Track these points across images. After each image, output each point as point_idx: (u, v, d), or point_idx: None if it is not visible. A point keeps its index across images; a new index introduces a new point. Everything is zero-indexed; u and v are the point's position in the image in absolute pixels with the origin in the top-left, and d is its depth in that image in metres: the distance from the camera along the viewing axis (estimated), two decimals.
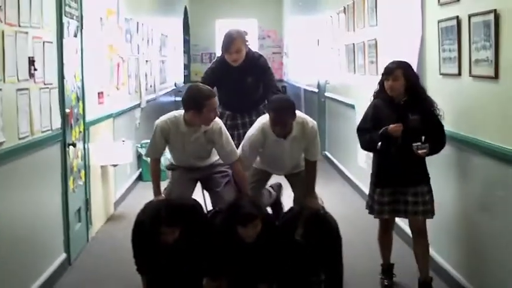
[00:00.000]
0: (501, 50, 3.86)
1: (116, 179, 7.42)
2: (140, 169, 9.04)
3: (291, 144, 4.76)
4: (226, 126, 4.90)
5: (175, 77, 14.57)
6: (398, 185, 4.51)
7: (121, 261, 5.33)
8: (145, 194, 7.52)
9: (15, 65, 4.25)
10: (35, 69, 4.59)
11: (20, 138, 4.30)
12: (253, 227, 4.23)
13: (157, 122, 4.84)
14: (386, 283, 4.82)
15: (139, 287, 4.67)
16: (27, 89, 4.46)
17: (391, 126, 4.40)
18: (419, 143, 4.34)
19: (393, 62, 4.62)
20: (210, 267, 4.37)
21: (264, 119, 4.80)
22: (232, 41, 5.37)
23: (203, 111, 4.59)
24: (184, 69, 17.21)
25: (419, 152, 4.34)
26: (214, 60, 5.80)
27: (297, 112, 4.75)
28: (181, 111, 4.75)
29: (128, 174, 8.30)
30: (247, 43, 5.50)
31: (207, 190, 5.07)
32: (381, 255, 4.88)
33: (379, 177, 4.61)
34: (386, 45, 6.40)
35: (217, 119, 4.75)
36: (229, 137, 4.82)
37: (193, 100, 4.62)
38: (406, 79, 4.49)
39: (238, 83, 5.44)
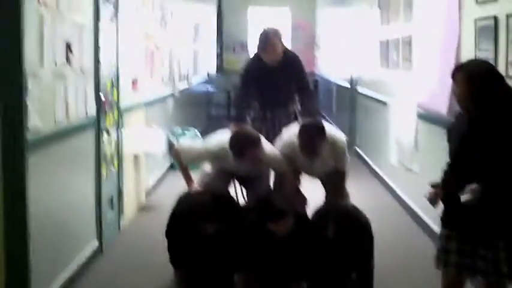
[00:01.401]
0: None
1: (148, 168, 7.36)
2: (172, 157, 8.98)
3: (320, 162, 4.78)
4: (255, 120, 5.03)
5: (208, 66, 14.50)
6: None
7: (153, 252, 5.30)
8: (177, 184, 7.49)
9: (53, 49, 4.19)
10: (72, 54, 4.53)
11: (56, 124, 4.25)
12: (285, 223, 4.15)
13: (213, 145, 4.73)
14: None
15: (171, 279, 4.63)
16: (64, 74, 4.40)
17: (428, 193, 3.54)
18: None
19: (458, 64, 3.68)
20: (242, 262, 4.28)
21: (293, 134, 4.72)
22: (269, 40, 5.45)
23: (245, 157, 4.52)
24: (216, 58, 17.12)
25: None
26: (250, 58, 5.90)
27: (328, 130, 4.70)
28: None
29: (160, 164, 8.24)
30: (282, 42, 5.60)
31: (243, 185, 5.03)
32: None
33: None
34: (422, 42, 6.26)
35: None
36: (275, 152, 4.77)
37: (234, 146, 4.53)
38: (469, 85, 3.31)
39: (272, 81, 5.53)
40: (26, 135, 3.75)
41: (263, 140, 4.66)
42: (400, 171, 7.20)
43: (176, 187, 7.37)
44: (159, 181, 8.04)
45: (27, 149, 3.76)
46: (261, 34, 5.54)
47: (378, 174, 8.50)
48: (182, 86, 10.07)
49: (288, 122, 5.42)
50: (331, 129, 4.91)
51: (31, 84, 3.81)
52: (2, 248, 3.73)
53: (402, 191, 7.13)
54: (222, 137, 4.63)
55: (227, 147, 4.50)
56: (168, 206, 5.81)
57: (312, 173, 5.04)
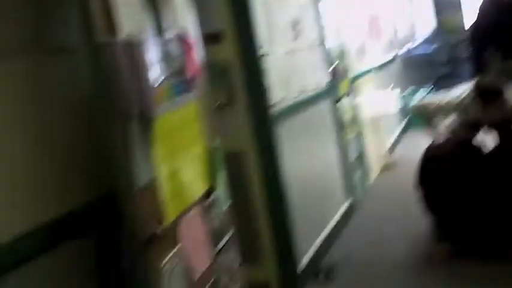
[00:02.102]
0: None
1: (385, 129, 7.57)
2: (407, 117, 9.09)
3: None
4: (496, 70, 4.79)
5: (426, 28, 14.32)
6: None
7: (402, 204, 5.52)
8: (415, 143, 7.63)
9: (282, 28, 4.54)
10: (299, 31, 4.86)
11: (295, 97, 4.61)
12: None
13: (454, 97, 4.80)
14: None
15: (425, 227, 4.77)
16: (294, 50, 4.73)
17: None
18: None
19: None
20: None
21: None
22: None
23: (489, 107, 4.50)
24: (433, 19, 16.76)
25: None
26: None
27: None
28: None
29: (396, 124, 8.41)
30: None
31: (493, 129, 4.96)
32: None
33: None
34: None
35: None
36: None
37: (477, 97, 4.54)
38: None
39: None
40: (271, 110, 4.11)
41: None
42: None
43: (413, 145, 7.54)
44: (397, 141, 8.22)
45: (273, 122, 4.12)
46: None
47: None
48: (404, 48, 10.12)
49: None
50: None
51: (267, 64, 4.17)
52: (267, 215, 4.10)
53: None
54: (460, 90, 4.66)
55: (467, 98, 4.53)
56: (409, 163, 5.96)
57: None
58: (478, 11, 5.37)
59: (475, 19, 5.41)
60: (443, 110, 4.81)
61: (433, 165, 4.48)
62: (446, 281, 4.11)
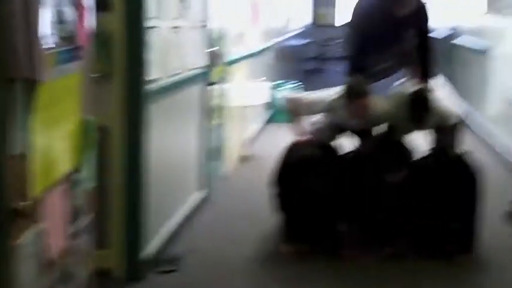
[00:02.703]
0: None
1: (249, 119, 7.56)
2: (271, 110, 9.14)
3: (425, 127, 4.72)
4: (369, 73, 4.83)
5: (301, 20, 14.53)
6: None
7: (256, 200, 5.49)
8: (277, 136, 7.69)
9: (170, 3, 4.37)
10: (187, 8, 4.71)
11: (172, 76, 4.45)
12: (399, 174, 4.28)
13: (326, 97, 4.75)
14: None
15: (276, 224, 4.78)
16: (179, 27, 4.58)
17: None
18: None
19: None
20: (348, 212, 4.44)
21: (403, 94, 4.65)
22: None
23: (349, 107, 4.55)
24: (308, 11, 17.08)
25: None
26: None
27: (442, 101, 4.59)
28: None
29: (260, 115, 8.43)
30: None
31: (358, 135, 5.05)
32: None
33: None
34: None
35: None
36: (379, 99, 4.75)
37: (344, 95, 4.59)
38: None
39: (391, 28, 4.88)
40: (147, 87, 3.94)
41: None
42: (503, 122, 7.17)
43: (275, 138, 7.59)
44: (259, 132, 8.24)
45: (147, 99, 3.95)
46: None
47: (477, 126, 8.44)
48: (280, 38, 10.18)
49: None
50: (447, 99, 4.76)
51: (151, 37, 3.99)
52: (122, 192, 3.94)
53: (501, 145, 7.15)
54: (334, 91, 4.70)
55: (338, 100, 4.59)
56: (268, 157, 5.98)
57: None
58: (354, 9, 5.12)
59: (351, 17, 5.17)
60: (313, 107, 4.81)
61: (291, 165, 4.51)
62: (291, 278, 4.17)
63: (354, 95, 4.52)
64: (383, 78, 5.08)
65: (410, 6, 4.83)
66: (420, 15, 4.95)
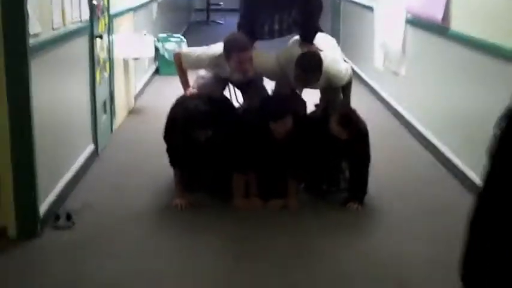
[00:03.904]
0: None
1: (136, 72, 7.47)
2: (157, 63, 9.07)
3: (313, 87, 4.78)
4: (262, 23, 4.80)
5: None
6: None
7: (146, 153, 5.53)
8: (163, 88, 7.66)
9: None
10: None
11: (53, 29, 4.33)
12: (284, 124, 4.31)
13: (209, 56, 4.72)
14: None
15: (166, 179, 4.84)
16: None
17: None
18: None
19: None
20: (239, 161, 4.48)
21: (295, 53, 4.62)
22: None
23: (230, 61, 4.56)
24: None
25: None
26: None
27: (330, 65, 4.62)
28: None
29: (146, 68, 8.34)
30: None
31: (239, 89, 5.11)
32: None
33: None
34: None
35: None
36: (267, 56, 4.79)
37: (224, 47, 4.58)
38: None
39: (279, 13, 4.80)
40: (28, 41, 3.81)
41: (258, 49, 4.77)
42: (386, 75, 7.41)
43: (162, 91, 7.57)
44: (146, 85, 8.16)
45: (29, 54, 3.81)
46: None
47: (363, 78, 8.68)
48: None
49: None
50: (335, 59, 4.78)
51: None
52: (9, 150, 3.85)
53: (388, 94, 7.39)
54: (219, 45, 4.70)
55: (222, 54, 4.60)
56: (155, 109, 5.92)
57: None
58: None
59: None
60: (199, 62, 4.80)
61: (178, 121, 4.52)
62: (186, 229, 4.22)
63: (233, 49, 4.52)
64: (275, 37, 4.94)
65: None
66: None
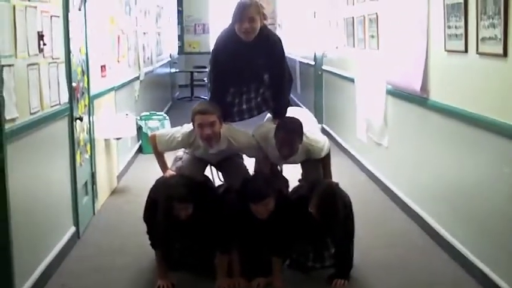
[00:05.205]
0: (510, 28, 3.89)
1: (118, 152, 7.45)
2: (140, 141, 9.07)
3: (293, 159, 4.74)
4: (231, 104, 4.80)
5: (170, 48, 14.56)
6: None
7: (129, 234, 5.45)
8: (146, 167, 7.63)
9: (26, 40, 4.26)
10: (44, 44, 4.60)
11: (31, 114, 4.33)
12: (265, 205, 4.25)
13: (182, 134, 4.73)
14: None
15: (148, 259, 4.77)
16: (37, 64, 4.47)
17: None
18: None
19: None
20: (221, 242, 4.43)
21: (269, 128, 4.69)
22: (246, 8, 4.59)
23: (195, 128, 4.56)
24: (178, 40, 17.18)
25: None
26: (221, 33, 4.87)
27: (309, 136, 4.67)
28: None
29: (129, 147, 8.33)
30: (263, 17, 4.73)
31: (219, 169, 5.05)
32: None
33: None
34: (388, 19, 6.42)
35: (224, 127, 4.61)
36: (242, 132, 4.77)
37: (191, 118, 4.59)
38: None
39: (247, 60, 4.74)
40: (4, 126, 3.79)
41: (235, 124, 4.78)
42: (369, 146, 7.43)
43: (145, 170, 7.54)
44: (129, 164, 8.14)
45: (5, 139, 3.79)
46: (237, 3, 4.69)
47: (346, 149, 8.70)
48: (147, 68, 10.14)
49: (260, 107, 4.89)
50: (312, 131, 4.82)
51: (6, 75, 3.87)
52: None
53: (371, 165, 7.39)
54: (189, 125, 4.68)
55: (191, 132, 4.60)
56: (139, 189, 5.87)
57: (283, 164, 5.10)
58: (215, 45, 4.88)
59: (213, 51, 4.88)
60: (172, 143, 4.78)
61: (154, 204, 4.50)
62: None
63: (195, 112, 4.51)
64: (245, 117, 4.91)
65: (253, 27, 4.62)
66: (273, 47, 4.82)
